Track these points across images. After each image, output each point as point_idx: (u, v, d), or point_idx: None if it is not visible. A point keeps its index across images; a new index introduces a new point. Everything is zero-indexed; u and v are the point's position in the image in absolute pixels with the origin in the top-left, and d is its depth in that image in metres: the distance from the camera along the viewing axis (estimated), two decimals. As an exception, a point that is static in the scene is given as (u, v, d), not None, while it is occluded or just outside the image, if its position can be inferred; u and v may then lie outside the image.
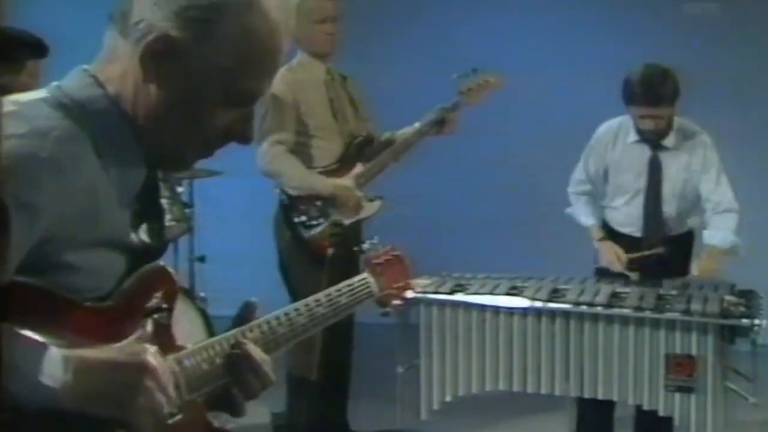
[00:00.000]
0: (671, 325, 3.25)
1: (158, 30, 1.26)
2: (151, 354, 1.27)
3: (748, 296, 3.35)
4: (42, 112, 1.26)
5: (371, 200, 4.04)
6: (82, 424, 1.22)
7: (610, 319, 3.33)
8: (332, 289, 1.78)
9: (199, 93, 1.30)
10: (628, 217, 3.90)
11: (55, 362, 1.18)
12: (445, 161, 5.81)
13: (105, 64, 1.34)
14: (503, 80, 4.15)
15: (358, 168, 4.00)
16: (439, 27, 6.15)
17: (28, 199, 1.19)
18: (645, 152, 3.83)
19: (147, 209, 1.41)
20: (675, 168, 3.82)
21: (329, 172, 3.96)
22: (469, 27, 6.01)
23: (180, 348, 1.43)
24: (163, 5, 1.26)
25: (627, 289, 3.45)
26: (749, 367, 3.25)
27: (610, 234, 3.93)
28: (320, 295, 1.74)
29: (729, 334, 3.23)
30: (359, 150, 4.04)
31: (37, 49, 3.19)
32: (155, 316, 1.38)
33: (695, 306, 3.25)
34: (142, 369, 1.25)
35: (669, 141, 3.81)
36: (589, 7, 5.91)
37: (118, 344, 1.29)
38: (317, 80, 3.99)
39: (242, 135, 1.36)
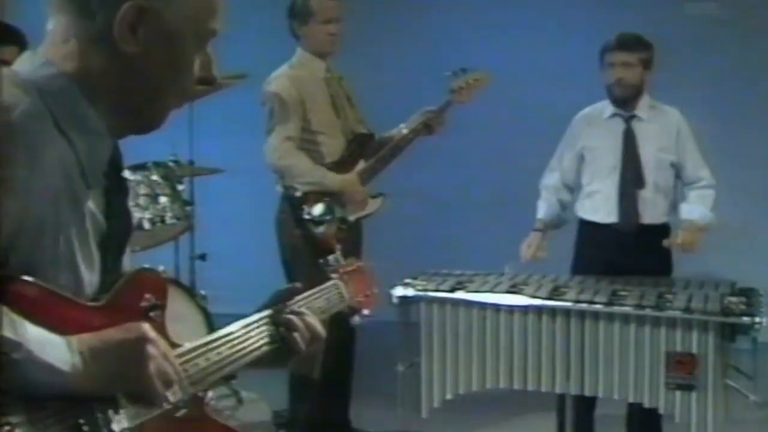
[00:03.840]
0: (672, 322, 3.25)
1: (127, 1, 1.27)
2: (148, 327, 1.30)
3: (748, 294, 3.35)
4: (5, 89, 1.24)
5: (374, 197, 4.05)
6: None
7: (610, 317, 3.32)
8: (306, 294, 1.82)
9: (178, 46, 1.34)
10: (607, 199, 3.87)
11: (60, 346, 1.19)
12: (448, 159, 5.81)
13: (56, 47, 1.32)
14: (491, 78, 4.19)
15: (361, 164, 4.02)
16: (427, 26, 6.15)
17: (3, 174, 1.18)
18: (619, 125, 3.88)
19: (112, 184, 1.39)
20: (649, 138, 3.85)
21: (333, 168, 3.97)
22: (457, 26, 6.00)
23: (175, 346, 1.42)
24: None
25: (628, 287, 3.46)
26: (750, 364, 3.25)
27: (589, 227, 3.92)
28: (298, 298, 1.77)
29: (729, 331, 3.23)
30: (361, 146, 4.05)
31: (7, 36, 3.16)
32: (150, 314, 1.38)
33: (696, 304, 3.25)
34: (142, 339, 1.28)
35: (641, 111, 3.86)
36: (583, 4, 5.92)
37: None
38: (318, 78, 4.02)
39: (209, 75, 1.40)
